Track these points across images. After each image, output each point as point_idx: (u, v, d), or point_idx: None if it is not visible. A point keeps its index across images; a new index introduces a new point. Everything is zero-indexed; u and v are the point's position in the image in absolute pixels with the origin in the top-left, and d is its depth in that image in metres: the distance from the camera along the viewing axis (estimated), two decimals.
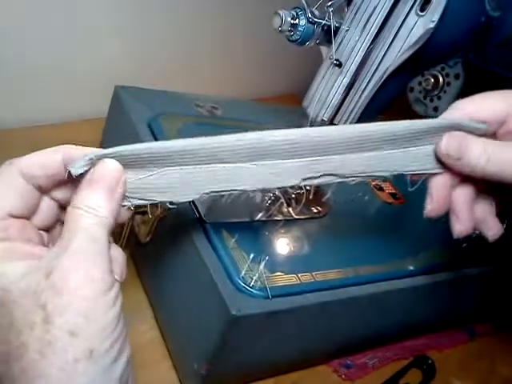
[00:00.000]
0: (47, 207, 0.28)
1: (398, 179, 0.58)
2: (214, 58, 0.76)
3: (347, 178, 0.31)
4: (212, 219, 0.39)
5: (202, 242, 0.37)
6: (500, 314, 0.59)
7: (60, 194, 0.28)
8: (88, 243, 0.24)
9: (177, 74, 0.71)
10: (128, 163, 0.26)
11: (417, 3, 0.36)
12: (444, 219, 0.34)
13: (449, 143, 0.31)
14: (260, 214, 0.43)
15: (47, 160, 0.26)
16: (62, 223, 0.29)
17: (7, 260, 0.24)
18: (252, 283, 0.35)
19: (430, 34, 0.36)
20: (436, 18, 0.35)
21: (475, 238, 0.55)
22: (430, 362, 0.50)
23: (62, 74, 0.61)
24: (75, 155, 0.26)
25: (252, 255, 0.37)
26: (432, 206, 0.33)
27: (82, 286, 0.22)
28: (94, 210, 0.24)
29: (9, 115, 0.59)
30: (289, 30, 0.40)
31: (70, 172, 0.25)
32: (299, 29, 0.40)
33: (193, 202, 0.40)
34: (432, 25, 0.35)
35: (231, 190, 0.28)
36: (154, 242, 0.42)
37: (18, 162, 0.26)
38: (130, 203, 0.27)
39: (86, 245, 0.23)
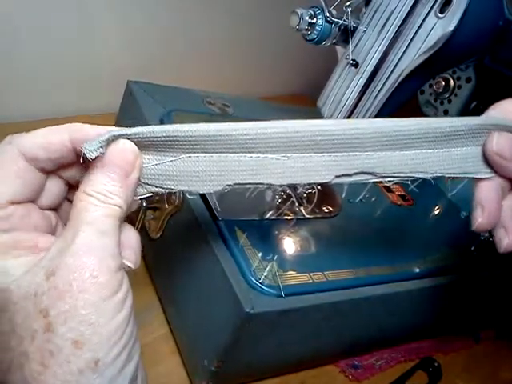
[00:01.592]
0: (54, 186, 0.25)
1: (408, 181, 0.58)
2: (223, 56, 0.76)
3: (384, 177, 0.28)
4: (224, 216, 0.39)
5: (216, 239, 0.37)
6: (504, 320, 0.59)
7: (68, 173, 0.25)
8: (95, 238, 0.21)
9: (186, 71, 0.71)
10: (145, 146, 0.24)
11: (436, 5, 0.36)
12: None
13: (500, 142, 0.28)
14: (270, 213, 0.43)
15: (52, 141, 0.23)
16: (71, 201, 0.26)
17: (8, 256, 0.22)
18: (265, 281, 0.35)
19: (448, 37, 0.36)
20: (456, 20, 0.35)
21: (484, 242, 0.55)
22: (436, 364, 0.50)
23: (72, 70, 0.61)
24: (84, 135, 0.23)
25: (265, 253, 0.37)
26: (484, 219, 0.28)
27: (86, 289, 0.20)
28: (105, 196, 0.22)
29: (19, 109, 0.59)
30: (306, 29, 0.40)
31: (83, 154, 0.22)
32: (317, 28, 0.40)
33: (205, 198, 0.41)
34: (451, 27, 0.35)
35: (257, 184, 0.26)
36: (165, 238, 0.42)
37: (19, 142, 0.23)
38: (144, 191, 0.25)
39: (92, 240, 0.21)
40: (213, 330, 0.36)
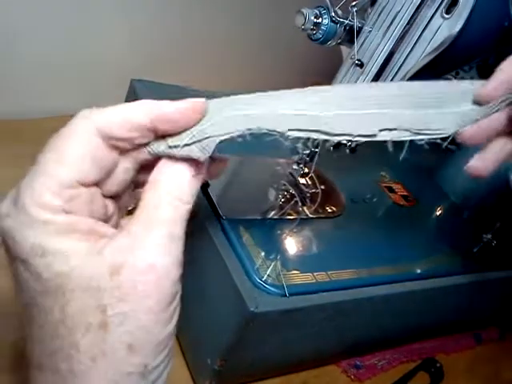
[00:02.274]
0: (123, 171, 0.24)
1: (410, 182, 0.58)
2: (226, 55, 0.76)
3: (418, 134, 0.29)
4: (228, 215, 0.39)
5: (220, 238, 0.37)
6: (506, 321, 0.59)
7: (142, 155, 0.24)
8: (168, 241, 0.20)
9: (189, 70, 0.70)
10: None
11: (442, 6, 0.36)
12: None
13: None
14: (273, 212, 0.43)
15: (131, 120, 0.22)
16: (133, 189, 0.26)
17: (68, 238, 0.20)
18: (269, 280, 0.35)
19: (454, 38, 0.36)
20: (462, 21, 0.35)
21: (486, 243, 0.55)
22: (438, 365, 0.50)
23: (75, 68, 0.61)
24: (163, 113, 0.22)
25: (268, 252, 0.37)
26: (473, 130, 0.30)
27: (151, 295, 0.19)
28: (179, 190, 0.21)
29: (21, 106, 0.59)
30: (311, 29, 0.40)
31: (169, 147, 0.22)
32: (322, 28, 0.40)
33: (209, 197, 0.40)
34: (457, 28, 0.35)
35: (314, 131, 0.25)
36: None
37: (97, 119, 0.21)
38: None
39: (165, 243, 0.20)
40: (216, 328, 0.36)
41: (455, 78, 0.58)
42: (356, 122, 0.26)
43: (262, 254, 0.37)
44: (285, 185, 0.46)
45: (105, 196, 0.24)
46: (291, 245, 0.40)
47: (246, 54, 0.79)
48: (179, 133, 0.23)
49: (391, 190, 0.55)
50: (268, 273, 0.36)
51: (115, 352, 0.19)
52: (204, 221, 0.38)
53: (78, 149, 0.21)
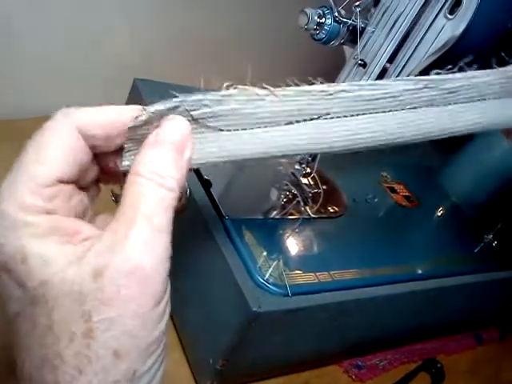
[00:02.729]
0: (95, 166, 0.24)
1: (412, 182, 0.58)
2: (229, 55, 0.76)
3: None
4: (230, 215, 0.39)
5: (222, 238, 0.37)
6: (508, 321, 0.59)
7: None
8: (151, 236, 0.19)
9: (192, 70, 0.70)
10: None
11: (446, 6, 0.36)
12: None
13: None
14: (275, 212, 0.43)
15: (110, 119, 0.21)
16: (98, 181, 0.25)
17: (49, 241, 0.19)
18: (272, 280, 0.35)
19: (457, 39, 0.36)
20: (465, 22, 0.35)
21: (487, 244, 0.55)
22: (439, 365, 0.50)
23: (77, 67, 0.61)
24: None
25: (271, 252, 0.37)
26: None
27: (135, 297, 0.18)
28: (162, 177, 0.20)
29: (24, 105, 0.59)
30: (314, 29, 0.40)
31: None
32: (325, 28, 0.40)
33: (211, 196, 0.41)
34: (461, 29, 0.35)
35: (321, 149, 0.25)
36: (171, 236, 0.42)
37: (77, 117, 0.21)
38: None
39: (149, 239, 0.19)
40: (218, 328, 0.36)
41: None
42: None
43: (265, 253, 0.37)
44: (287, 185, 0.46)
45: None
46: (294, 245, 0.40)
47: (247, 54, 0.79)
48: None
49: (393, 190, 0.55)
50: (270, 272, 0.36)
51: (101, 359, 0.18)
52: (206, 220, 0.38)
53: (58, 147, 0.20)
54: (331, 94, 0.24)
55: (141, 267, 0.18)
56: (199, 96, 0.22)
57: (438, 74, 0.27)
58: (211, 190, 0.41)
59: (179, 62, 0.70)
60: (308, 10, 0.40)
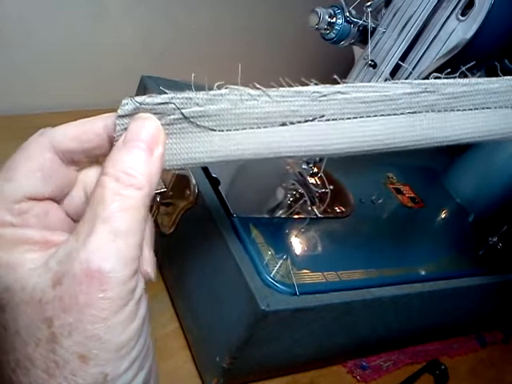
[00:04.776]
0: (78, 193, 0.23)
1: (417, 184, 0.58)
2: (236, 53, 0.76)
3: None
4: (238, 213, 0.39)
5: (230, 236, 0.37)
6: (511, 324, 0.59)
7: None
8: (109, 241, 0.19)
9: (200, 67, 0.70)
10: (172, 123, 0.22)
11: (458, 7, 0.36)
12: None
13: None
14: (281, 211, 0.43)
15: (84, 130, 0.21)
16: None
17: (15, 250, 0.20)
18: (279, 278, 0.35)
19: (469, 40, 0.36)
20: (477, 23, 0.35)
21: (492, 246, 0.55)
22: (442, 367, 0.50)
23: (86, 63, 0.61)
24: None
25: (279, 251, 0.37)
26: None
27: (93, 303, 0.18)
28: (129, 175, 0.20)
29: (31, 101, 0.59)
30: (325, 29, 0.40)
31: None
32: (336, 28, 0.40)
33: (219, 194, 0.41)
34: (472, 30, 0.35)
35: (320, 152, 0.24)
36: (178, 234, 0.42)
37: (50, 133, 0.21)
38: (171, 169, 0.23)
39: (105, 244, 0.19)
40: (226, 326, 0.36)
41: None
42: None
43: (273, 252, 0.37)
44: (294, 184, 0.46)
45: (72, 218, 0.24)
46: (302, 244, 0.40)
47: (254, 52, 0.79)
48: None
49: (399, 191, 0.55)
50: (276, 269, 0.35)
51: (68, 363, 0.18)
52: (214, 218, 0.38)
53: (28, 164, 0.21)
54: (325, 96, 0.24)
55: (97, 272, 0.18)
56: (190, 94, 0.22)
57: (437, 78, 0.26)
58: (219, 188, 0.41)
59: (187, 61, 0.70)
60: (319, 10, 0.39)
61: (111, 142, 0.22)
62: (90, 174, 0.24)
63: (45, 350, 0.18)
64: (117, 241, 0.19)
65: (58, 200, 0.23)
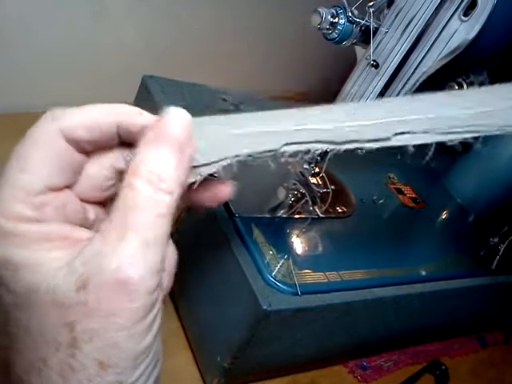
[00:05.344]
0: (103, 179, 0.23)
1: (418, 184, 0.58)
2: (237, 53, 0.76)
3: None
4: (240, 213, 0.39)
5: (232, 236, 0.37)
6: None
7: (119, 163, 0.22)
8: (140, 251, 0.18)
9: (201, 68, 0.70)
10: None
11: (461, 7, 0.36)
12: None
13: None
14: (283, 211, 0.43)
15: (97, 123, 0.21)
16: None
17: (40, 248, 0.19)
18: (281, 278, 0.35)
19: (471, 40, 0.36)
20: (479, 24, 0.35)
21: (493, 246, 0.55)
22: (443, 367, 0.50)
23: (87, 63, 0.61)
24: (131, 120, 0.21)
25: (280, 251, 0.37)
26: None
27: (119, 313, 0.18)
28: (159, 179, 0.19)
29: (32, 100, 0.59)
30: (327, 28, 0.40)
31: None
32: (338, 27, 0.40)
33: None
34: (475, 31, 0.35)
35: (315, 142, 0.24)
36: (180, 233, 0.42)
37: (61, 121, 0.20)
38: (199, 177, 0.22)
39: (137, 253, 0.18)
40: (227, 326, 0.36)
41: (465, 81, 0.58)
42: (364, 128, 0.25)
43: (275, 252, 0.37)
44: (295, 184, 0.46)
45: (85, 201, 0.23)
46: (303, 244, 0.40)
47: (255, 52, 0.79)
48: None
49: (400, 191, 0.55)
50: (277, 269, 0.35)
51: (85, 369, 0.18)
52: (217, 217, 0.38)
53: (42, 153, 0.20)
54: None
55: (126, 281, 0.18)
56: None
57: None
58: None
59: (188, 60, 0.70)
60: (321, 10, 0.39)
61: (120, 137, 0.21)
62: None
63: (64, 355, 0.18)
64: (147, 250, 0.18)
65: (70, 186, 0.22)
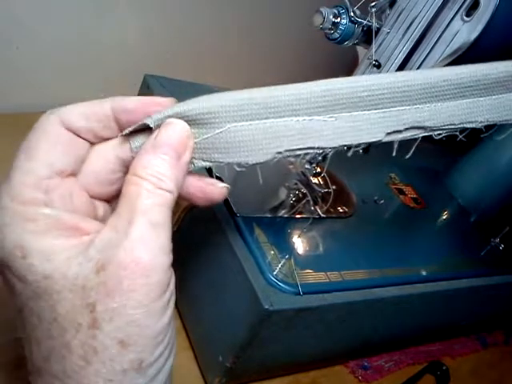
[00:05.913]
0: (109, 172, 0.24)
1: (419, 184, 0.58)
2: (239, 54, 0.76)
3: (434, 130, 0.26)
4: (242, 213, 0.39)
5: (234, 236, 0.37)
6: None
7: (125, 153, 0.23)
8: (149, 230, 0.19)
9: (203, 67, 0.71)
10: (191, 120, 0.23)
11: (463, 8, 0.36)
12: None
13: None
14: (284, 211, 0.43)
15: (93, 110, 0.22)
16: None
17: (49, 235, 0.20)
18: (283, 278, 0.35)
19: (473, 41, 0.36)
20: (482, 24, 0.35)
21: (494, 247, 0.55)
22: (444, 368, 0.50)
23: (88, 62, 0.61)
24: (128, 105, 0.22)
25: (282, 251, 0.37)
26: None
27: (137, 288, 0.19)
28: (159, 179, 0.21)
29: (34, 101, 0.59)
30: (329, 28, 0.40)
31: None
32: (340, 27, 0.40)
33: None
34: (477, 31, 0.35)
35: (307, 148, 0.24)
36: (181, 233, 0.42)
37: (60, 112, 0.22)
38: (193, 166, 0.24)
39: (147, 233, 0.19)
40: (229, 325, 0.36)
41: None
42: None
43: (276, 251, 0.37)
44: (297, 184, 0.46)
45: (95, 198, 0.24)
46: (305, 243, 0.40)
47: (257, 51, 0.79)
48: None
49: (401, 191, 0.55)
50: (279, 268, 0.35)
51: (107, 349, 0.19)
52: (218, 217, 0.38)
53: (45, 141, 0.21)
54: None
55: (141, 260, 0.19)
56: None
57: None
58: None
59: (190, 60, 0.70)
60: (324, 10, 0.39)
61: (118, 124, 0.23)
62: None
63: (85, 336, 0.19)
64: (156, 232, 0.20)
65: (76, 174, 0.23)
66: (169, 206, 0.21)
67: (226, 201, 0.40)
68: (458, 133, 0.27)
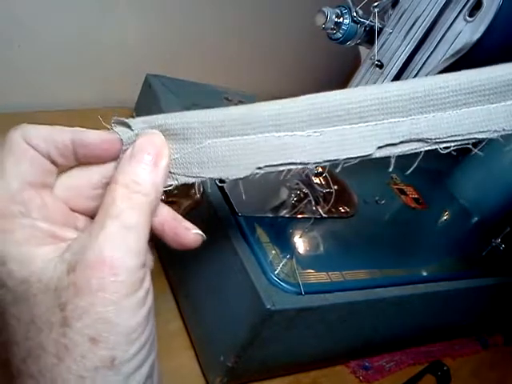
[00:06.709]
0: (92, 187, 0.24)
1: (421, 185, 0.58)
2: (241, 54, 0.76)
3: (438, 143, 0.24)
4: (244, 213, 0.39)
5: (235, 235, 0.37)
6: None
7: (109, 170, 0.24)
8: (119, 233, 0.20)
9: (205, 67, 0.71)
10: (171, 135, 0.23)
11: (466, 8, 0.36)
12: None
13: None
14: (285, 211, 0.43)
15: (54, 136, 0.23)
16: None
17: (29, 243, 0.21)
18: (284, 278, 0.35)
19: (476, 41, 0.36)
20: (484, 24, 0.35)
21: (495, 247, 0.55)
22: (445, 368, 0.50)
23: (90, 62, 0.61)
24: (87, 140, 0.23)
25: (284, 251, 0.37)
26: None
27: (105, 287, 0.19)
28: (135, 183, 0.22)
29: (37, 99, 0.59)
30: (332, 28, 0.40)
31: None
32: (343, 27, 0.40)
33: (225, 193, 0.40)
34: (480, 31, 0.35)
35: (289, 164, 0.24)
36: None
37: (23, 129, 0.23)
38: (176, 182, 0.24)
39: (116, 236, 0.20)
40: (231, 325, 0.36)
41: None
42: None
43: (278, 251, 0.37)
44: (298, 184, 0.46)
45: (77, 211, 0.25)
46: (306, 243, 0.40)
47: (259, 52, 0.79)
48: None
49: (403, 192, 0.55)
50: (280, 268, 0.35)
51: (78, 346, 0.19)
52: (220, 217, 0.38)
53: (12, 154, 0.22)
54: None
55: (109, 259, 0.20)
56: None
57: None
58: (224, 187, 0.41)
59: (192, 59, 0.70)
60: (326, 10, 0.39)
61: (75, 155, 0.23)
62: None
63: (56, 334, 0.19)
64: (126, 233, 0.20)
65: (47, 184, 0.24)
66: (144, 210, 0.22)
67: (227, 200, 0.40)
68: (470, 145, 0.25)
